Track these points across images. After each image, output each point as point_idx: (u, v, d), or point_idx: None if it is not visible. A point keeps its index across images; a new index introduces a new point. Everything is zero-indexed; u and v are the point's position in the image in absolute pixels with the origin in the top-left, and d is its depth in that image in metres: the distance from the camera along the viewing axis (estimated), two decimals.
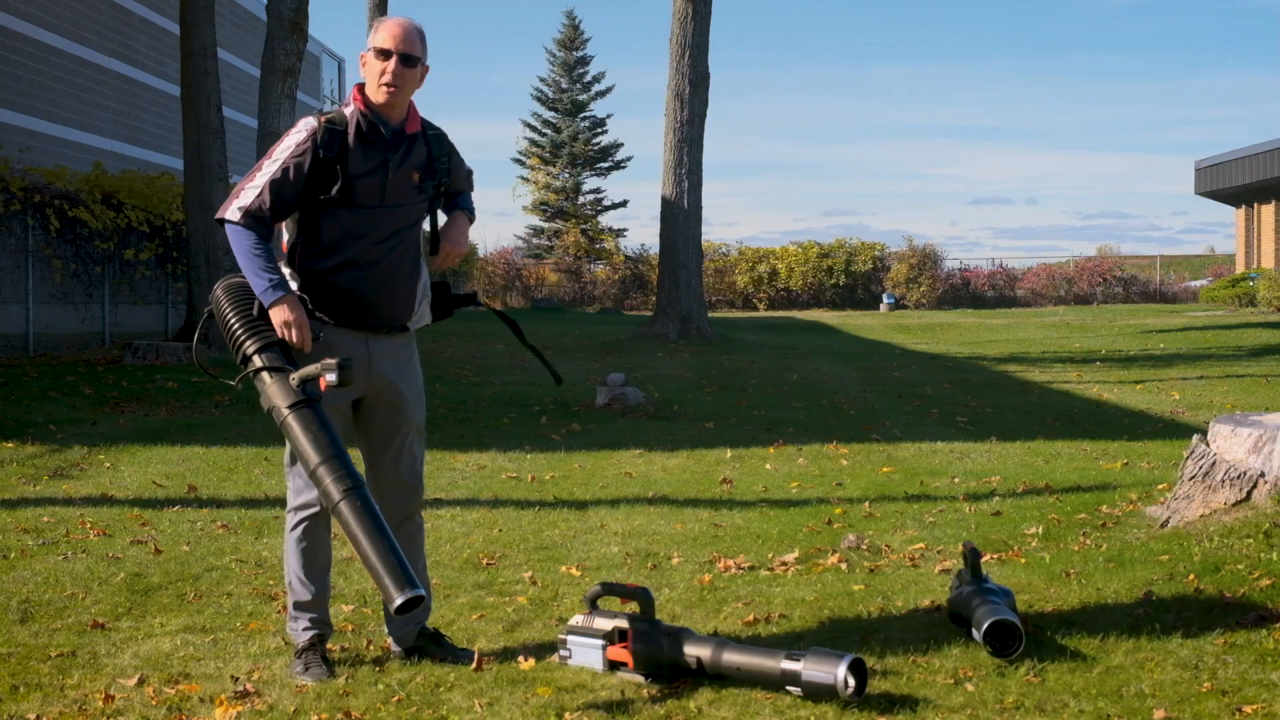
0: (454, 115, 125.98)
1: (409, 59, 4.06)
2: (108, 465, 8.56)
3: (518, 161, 50.59)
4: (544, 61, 51.79)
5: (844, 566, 5.49)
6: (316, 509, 4.11)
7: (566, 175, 49.75)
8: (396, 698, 3.82)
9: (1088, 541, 5.78)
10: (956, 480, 7.81)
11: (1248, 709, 3.61)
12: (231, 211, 4.02)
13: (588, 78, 49.96)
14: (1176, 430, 10.02)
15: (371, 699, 3.81)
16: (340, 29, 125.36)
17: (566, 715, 3.68)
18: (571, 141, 49.25)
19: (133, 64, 29.73)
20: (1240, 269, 39.71)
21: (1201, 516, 5.64)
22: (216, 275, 17.31)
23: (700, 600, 4.96)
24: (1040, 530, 6.11)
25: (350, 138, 4.05)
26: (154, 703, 3.78)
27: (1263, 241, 38.25)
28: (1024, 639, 4.08)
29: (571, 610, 4.80)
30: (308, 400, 3.90)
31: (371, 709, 3.74)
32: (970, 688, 3.84)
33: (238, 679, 3.98)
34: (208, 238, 17.44)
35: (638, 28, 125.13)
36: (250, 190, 4.02)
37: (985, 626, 4.07)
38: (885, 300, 43.67)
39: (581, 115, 49.78)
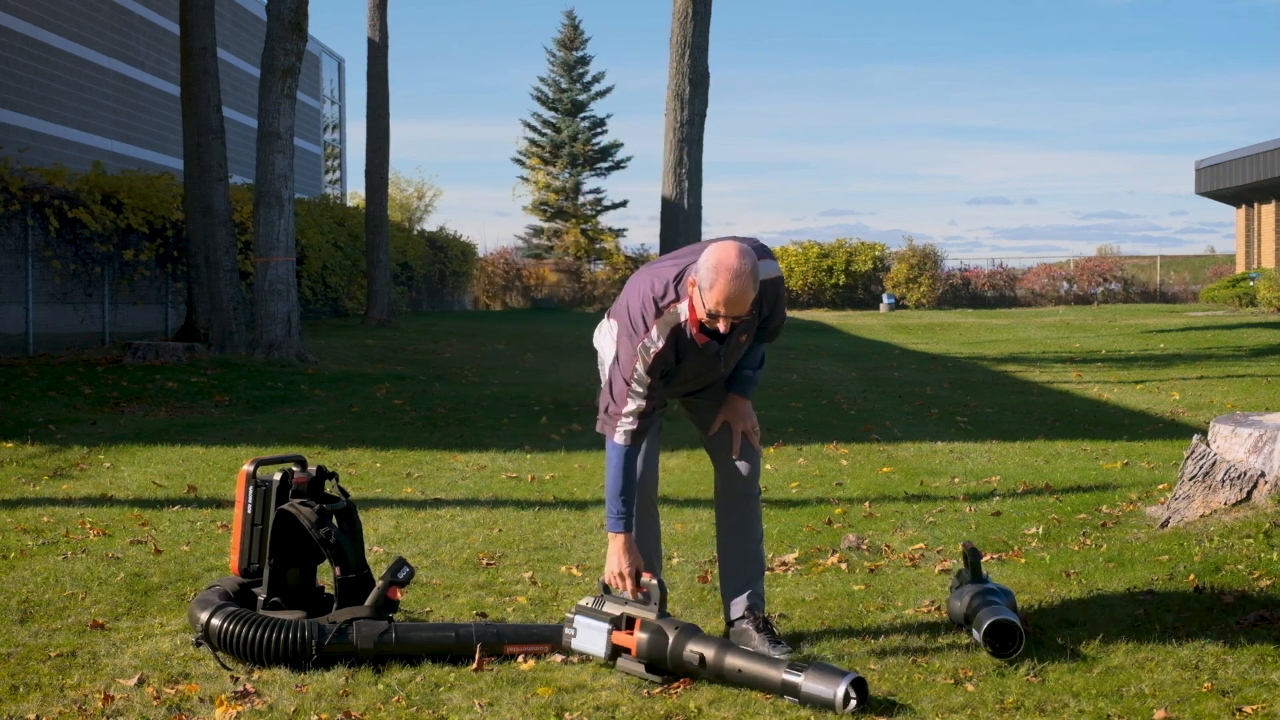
0: (454, 115, 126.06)
1: (738, 318, 4.00)
2: (108, 465, 8.56)
3: (518, 161, 50.62)
4: (544, 61, 51.87)
5: (844, 566, 5.49)
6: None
7: (566, 175, 49.76)
8: (396, 698, 3.82)
9: (1088, 541, 5.78)
10: (956, 480, 7.81)
11: (1248, 709, 3.61)
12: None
13: (588, 78, 49.98)
14: (1176, 430, 10.02)
15: (371, 699, 3.81)
16: (340, 29, 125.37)
17: (566, 715, 3.68)
18: (571, 141, 49.25)
19: (132, 64, 29.72)
20: (1240, 269, 39.72)
21: (1201, 516, 5.64)
22: (217, 275, 17.29)
23: (700, 600, 4.96)
24: (1040, 530, 6.11)
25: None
26: (154, 703, 3.78)
27: (1263, 241, 38.25)
28: (1024, 639, 4.08)
29: None
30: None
31: (371, 709, 3.73)
32: (970, 688, 3.84)
33: (238, 679, 3.98)
34: (207, 238, 17.43)
35: (638, 28, 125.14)
36: None
37: (985, 626, 4.07)
38: (885, 300, 43.69)
39: (581, 115, 49.80)
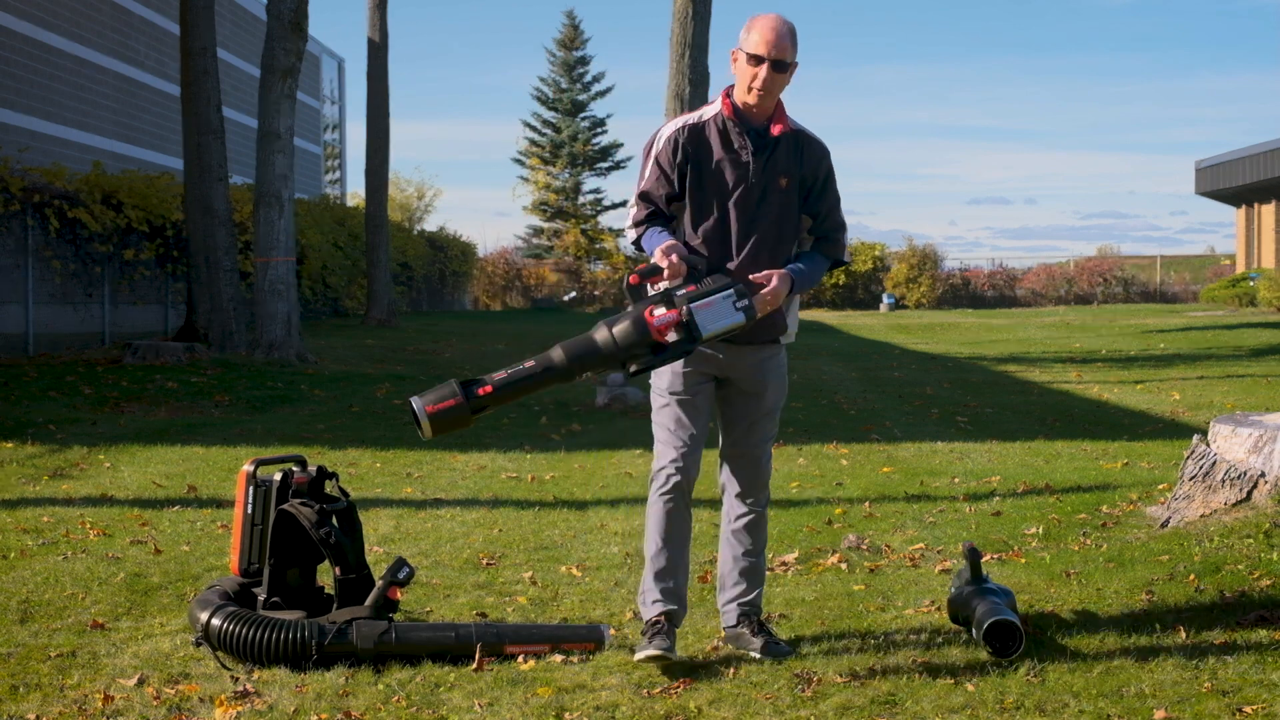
0: (454, 115, 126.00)
1: (781, 65, 4.14)
2: (108, 465, 8.56)
3: (518, 161, 50.66)
4: (544, 61, 51.96)
5: (844, 566, 5.49)
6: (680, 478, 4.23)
7: (566, 175, 49.80)
8: (396, 698, 3.82)
9: (1088, 541, 5.78)
10: (956, 480, 7.81)
11: (1248, 709, 3.61)
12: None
13: (587, 78, 50.02)
14: (1176, 430, 10.02)
15: (371, 699, 3.81)
16: (340, 29, 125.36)
17: (566, 715, 3.68)
18: (571, 141, 49.28)
19: (132, 64, 29.72)
20: (1240, 269, 39.72)
21: (1202, 516, 5.64)
22: (217, 275, 17.29)
23: (700, 600, 4.96)
24: (1040, 530, 6.11)
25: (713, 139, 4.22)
26: (154, 703, 3.78)
27: (1263, 241, 38.25)
28: (1024, 639, 4.08)
29: (572, 610, 4.81)
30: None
31: (371, 709, 3.73)
32: (970, 688, 3.84)
33: (238, 679, 3.98)
34: (207, 238, 17.41)
35: (638, 28, 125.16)
36: None
37: (985, 626, 4.07)
38: (885, 300, 43.69)
39: (581, 115, 49.84)
